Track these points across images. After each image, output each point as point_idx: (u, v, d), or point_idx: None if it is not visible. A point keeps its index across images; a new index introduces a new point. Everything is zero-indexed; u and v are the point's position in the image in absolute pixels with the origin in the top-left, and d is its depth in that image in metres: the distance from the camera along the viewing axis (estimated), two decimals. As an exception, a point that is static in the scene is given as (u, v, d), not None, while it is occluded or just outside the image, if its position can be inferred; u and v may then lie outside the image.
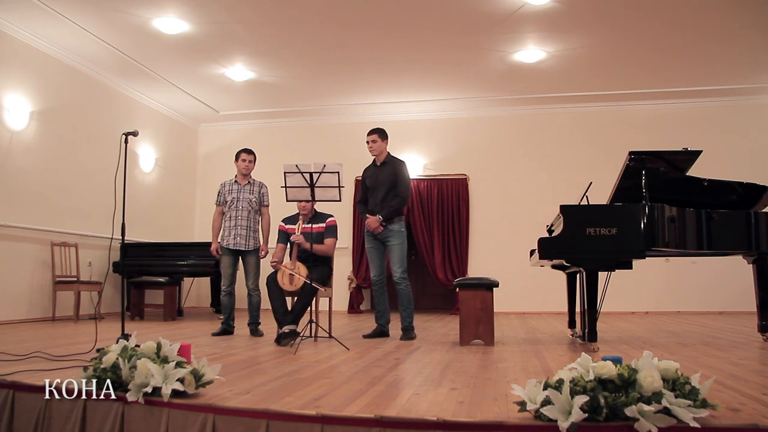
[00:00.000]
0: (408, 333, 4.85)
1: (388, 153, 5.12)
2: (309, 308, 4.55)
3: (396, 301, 5.02)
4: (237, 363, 3.36)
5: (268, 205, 5.45)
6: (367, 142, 5.06)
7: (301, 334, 4.30)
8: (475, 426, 1.92)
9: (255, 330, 5.15)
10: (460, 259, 8.76)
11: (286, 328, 4.31)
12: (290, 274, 4.59)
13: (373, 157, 5.13)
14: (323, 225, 4.95)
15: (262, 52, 7.14)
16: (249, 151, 5.40)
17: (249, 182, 5.37)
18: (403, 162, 5.12)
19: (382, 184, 4.99)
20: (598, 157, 8.46)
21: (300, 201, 4.77)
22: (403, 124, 9.27)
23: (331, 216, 5.04)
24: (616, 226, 3.98)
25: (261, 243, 5.38)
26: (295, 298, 4.59)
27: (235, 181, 5.37)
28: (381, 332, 4.93)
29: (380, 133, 5.06)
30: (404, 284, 4.91)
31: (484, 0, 5.83)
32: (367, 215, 5.01)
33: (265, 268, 5.44)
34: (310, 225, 4.81)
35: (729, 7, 5.94)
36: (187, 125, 9.80)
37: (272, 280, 4.65)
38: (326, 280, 4.83)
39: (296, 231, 4.76)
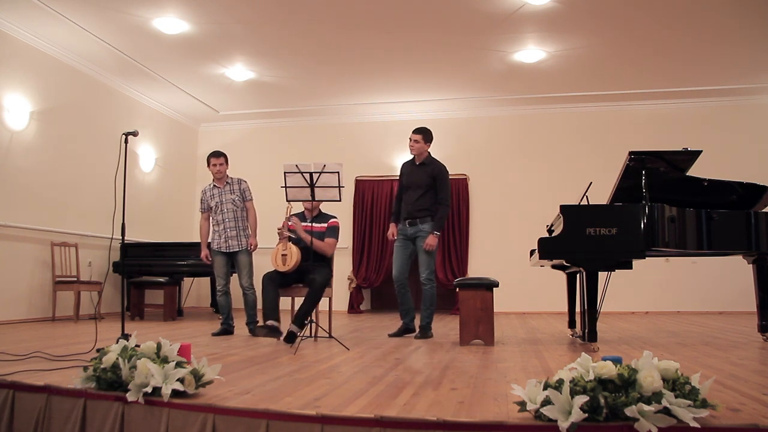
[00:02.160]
0: (425, 331, 4.91)
1: (429, 154, 5.09)
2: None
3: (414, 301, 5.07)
4: (237, 363, 3.36)
5: (251, 200, 5.43)
6: (410, 139, 5.04)
7: (301, 334, 4.31)
8: (475, 426, 1.91)
9: (254, 329, 5.15)
10: (460, 259, 8.76)
11: (287, 327, 4.33)
12: (282, 254, 4.61)
13: (413, 155, 5.11)
14: (325, 225, 4.95)
15: (262, 52, 7.14)
16: (218, 155, 5.35)
17: (228, 182, 5.35)
18: (444, 167, 5.06)
19: (417, 185, 4.98)
20: (598, 157, 8.46)
21: (300, 201, 4.77)
22: (403, 124, 9.25)
23: (335, 217, 5.04)
24: (616, 226, 3.97)
25: (250, 238, 5.37)
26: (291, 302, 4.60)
27: (214, 186, 5.36)
28: (407, 329, 4.95)
29: (425, 135, 5.02)
30: (429, 285, 4.96)
31: (484, 0, 5.83)
32: (408, 222, 5.00)
33: (258, 266, 5.44)
34: (311, 224, 4.81)
35: (729, 7, 5.94)
36: (187, 125, 9.80)
37: (269, 278, 4.66)
38: (327, 280, 4.83)
39: (286, 214, 4.77)
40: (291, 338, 4.29)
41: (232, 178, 5.39)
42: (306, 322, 4.41)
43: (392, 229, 5.13)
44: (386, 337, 4.90)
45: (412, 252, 5.06)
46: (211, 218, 5.39)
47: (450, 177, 8.92)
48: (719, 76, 7.83)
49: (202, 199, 5.42)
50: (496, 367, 3.22)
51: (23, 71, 6.53)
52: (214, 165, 5.30)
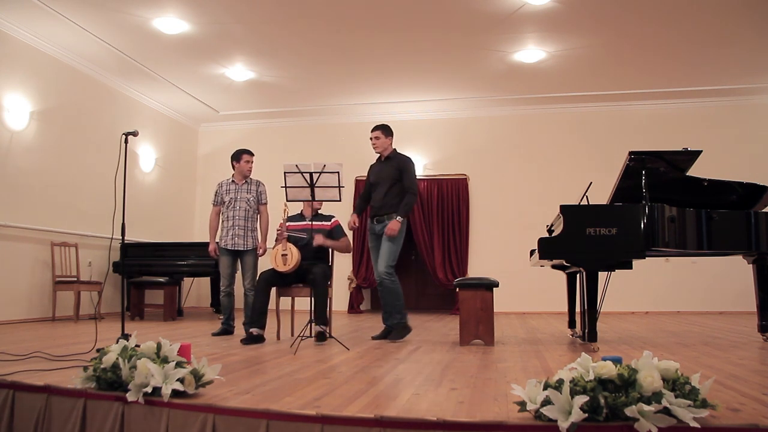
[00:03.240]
0: (401, 331, 4.72)
1: (394, 149, 5.07)
2: (309, 308, 4.55)
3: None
4: (237, 363, 3.36)
5: (266, 203, 5.43)
6: (371, 139, 5.02)
7: (301, 334, 4.31)
8: (475, 426, 1.91)
9: (242, 340, 5.12)
10: (460, 259, 8.76)
11: (316, 329, 4.39)
12: (283, 254, 4.63)
13: (378, 154, 5.08)
14: (328, 223, 4.96)
15: (262, 52, 7.14)
16: (251, 153, 5.41)
17: (246, 181, 5.36)
18: (408, 158, 5.03)
19: (384, 180, 4.94)
20: (598, 157, 8.45)
21: (300, 201, 4.78)
22: (403, 124, 9.26)
23: (333, 216, 5.06)
24: (616, 226, 3.97)
25: (259, 241, 5.37)
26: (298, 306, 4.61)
27: (233, 181, 5.37)
28: (390, 332, 4.88)
29: (384, 130, 5.00)
30: (389, 280, 4.72)
31: (484, 0, 5.83)
32: (375, 219, 4.93)
33: (263, 268, 5.44)
34: (311, 222, 4.82)
35: (729, 7, 5.94)
36: (187, 125, 9.80)
37: (265, 281, 4.66)
38: (326, 272, 4.83)
39: (283, 215, 4.80)
40: (321, 338, 4.36)
41: (251, 178, 5.40)
42: (325, 320, 4.48)
43: (353, 218, 4.98)
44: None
45: None
46: (222, 213, 5.38)
47: (450, 177, 8.92)
48: (719, 76, 7.83)
49: (216, 192, 5.42)
50: (496, 367, 3.22)
51: (23, 71, 6.53)
52: (247, 161, 5.33)
